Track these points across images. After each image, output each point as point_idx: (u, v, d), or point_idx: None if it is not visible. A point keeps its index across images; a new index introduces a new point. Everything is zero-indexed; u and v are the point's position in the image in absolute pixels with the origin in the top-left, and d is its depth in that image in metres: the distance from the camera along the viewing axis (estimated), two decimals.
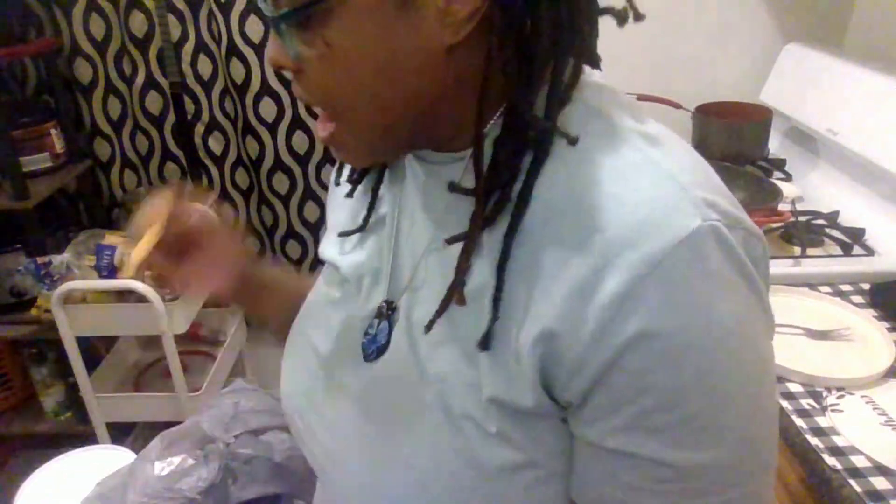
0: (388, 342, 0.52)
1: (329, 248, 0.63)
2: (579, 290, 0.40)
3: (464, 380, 0.46)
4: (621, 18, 0.48)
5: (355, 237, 0.60)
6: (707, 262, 0.39)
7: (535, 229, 0.44)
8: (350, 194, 0.61)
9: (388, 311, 0.53)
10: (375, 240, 0.58)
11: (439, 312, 0.47)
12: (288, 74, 0.48)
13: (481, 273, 0.46)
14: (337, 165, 0.65)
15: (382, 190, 0.58)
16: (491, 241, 0.46)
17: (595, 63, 0.49)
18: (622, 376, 0.40)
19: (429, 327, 0.48)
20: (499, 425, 0.44)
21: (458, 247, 0.46)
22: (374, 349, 0.53)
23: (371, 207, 0.58)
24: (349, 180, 0.61)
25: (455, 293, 0.46)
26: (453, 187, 0.46)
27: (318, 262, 0.64)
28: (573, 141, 0.43)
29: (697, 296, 0.39)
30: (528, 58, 0.43)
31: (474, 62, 0.43)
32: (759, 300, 0.43)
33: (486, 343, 0.44)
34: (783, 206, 1.23)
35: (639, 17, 0.47)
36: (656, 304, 0.38)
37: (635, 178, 0.42)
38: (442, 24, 0.41)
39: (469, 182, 0.46)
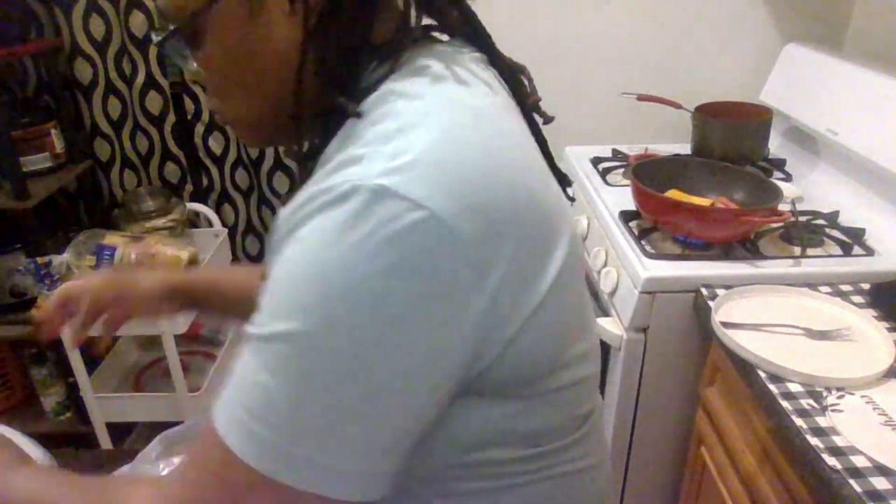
0: None
1: None
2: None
3: None
4: None
5: None
6: (337, 212, 0.42)
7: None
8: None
9: None
10: None
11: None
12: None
13: None
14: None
15: None
16: None
17: (474, 41, 0.58)
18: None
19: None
20: None
21: None
22: None
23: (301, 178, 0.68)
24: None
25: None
26: (286, 153, 0.55)
27: None
28: (356, 114, 0.49)
29: (318, 233, 0.43)
30: (342, 49, 0.51)
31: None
32: (405, 270, 0.42)
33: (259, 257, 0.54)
34: (783, 206, 1.23)
35: None
36: (299, 220, 0.44)
37: (359, 138, 0.47)
38: (290, 23, 0.51)
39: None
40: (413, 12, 0.54)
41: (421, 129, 0.45)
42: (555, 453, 0.55)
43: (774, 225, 1.27)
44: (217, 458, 0.45)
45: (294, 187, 0.52)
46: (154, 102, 1.74)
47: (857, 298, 1.11)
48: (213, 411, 0.46)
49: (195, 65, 0.55)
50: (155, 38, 0.54)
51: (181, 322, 1.47)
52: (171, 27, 0.52)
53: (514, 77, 0.60)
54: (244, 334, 0.46)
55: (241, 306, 0.75)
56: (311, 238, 0.43)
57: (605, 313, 1.29)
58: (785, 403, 0.89)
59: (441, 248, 0.42)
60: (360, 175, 0.43)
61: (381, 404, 0.44)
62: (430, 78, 0.51)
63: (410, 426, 0.46)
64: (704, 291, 1.12)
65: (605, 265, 1.32)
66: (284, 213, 0.47)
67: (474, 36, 0.59)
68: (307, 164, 0.54)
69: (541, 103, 0.63)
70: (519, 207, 0.47)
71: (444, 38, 0.58)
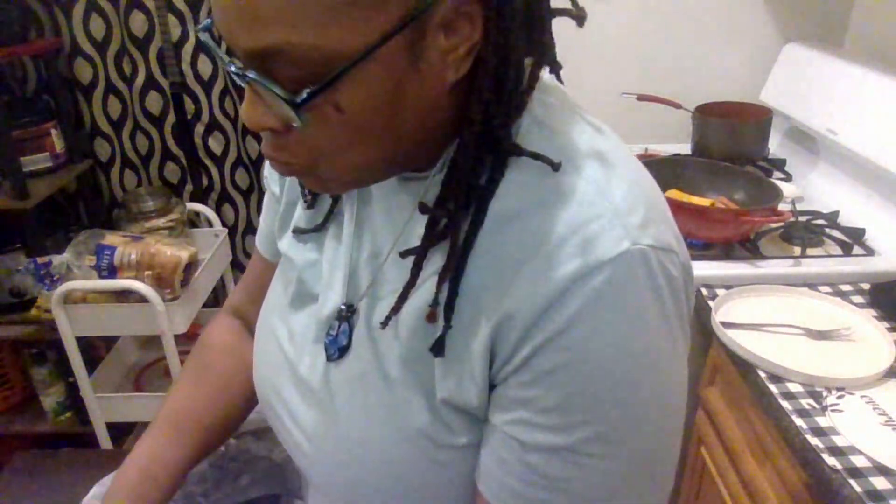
0: (349, 343, 0.54)
1: (283, 247, 0.64)
2: (522, 294, 0.43)
3: (419, 381, 0.49)
4: (579, 20, 0.50)
5: (311, 246, 0.61)
6: (633, 284, 0.42)
7: (485, 241, 0.46)
8: (309, 204, 0.62)
9: (347, 314, 0.55)
10: (332, 243, 0.59)
11: (394, 310, 0.50)
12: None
13: (427, 284, 0.49)
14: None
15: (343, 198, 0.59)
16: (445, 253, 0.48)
17: (554, 68, 0.52)
18: (529, 373, 0.44)
19: (384, 324, 0.51)
20: (448, 420, 0.49)
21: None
22: (335, 350, 0.55)
23: (331, 210, 0.59)
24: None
25: (407, 295, 0.49)
26: (423, 208, 0.48)
27: None
28: (556, 167, 0.45)
29: (618, 316, 0.42)
30: (502, 82, 0.44)
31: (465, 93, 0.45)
32: (669, 327, 0.45)
33: (438, 350, 0.47)
34: (783, 206, 1.23)
35: (581, 20, 0.50)
36: (572, 317, 0.42)
37: (576, 198, 0.44)
38: (444, 65, 0.42)
39: (429, 198, 0.48)
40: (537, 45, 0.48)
41: (626, 178, 0.47)
42: None
43: (774, 225, 1.27)
44: None
45: (430, 242, 0.47)
46: (154, 102, 1.74)
47: (857, 298, 1.11)
48: None
49: (314, 117, 0.41)
50: (277, 91, 0.39)
51: (181, 322, 1.47)
52: (315, 81, 0.39)
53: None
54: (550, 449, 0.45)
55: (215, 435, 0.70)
56: (606, 323, 0.42)
57: None
58: (785, 403, 0.89)
59: (683, 283, 0.47)
60: (631, 239, 0.43)
61: (669, 457, 0.48)
62: (581, 121, 0.50)
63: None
64: (704, 291, 1.12)
65: None
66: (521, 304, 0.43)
67: (551, 56, 0.52)
68: (442, 214, 0.47)
69: None
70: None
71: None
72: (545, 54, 0.48)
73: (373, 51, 0.38)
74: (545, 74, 0.50)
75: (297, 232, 0.61)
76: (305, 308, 0.59)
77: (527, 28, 0.44)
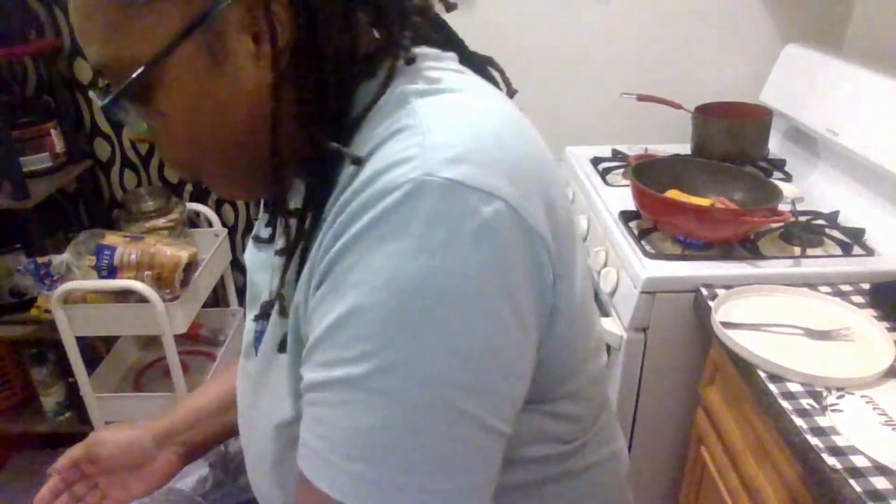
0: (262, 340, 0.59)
1: (247, 255, 0.70)
2: (321, 241, 0.43)
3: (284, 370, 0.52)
4: (450, 6, 0.51)
5: (264, 254, 0.65)
6: (414, 212, 0.39)
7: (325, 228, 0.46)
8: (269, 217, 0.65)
9: (267, 311, 0.58)
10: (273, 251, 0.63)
11: (264, 307, 0.56)
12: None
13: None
14: None
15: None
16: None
17: (446, 43, 0.53)
18: (314, 302, 0.43)
19: (255, 319, 0.58)
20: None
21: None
22: (257, 346, 0.60)
23: (271, 222, 0.63)
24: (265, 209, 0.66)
25: (278, 292, 0.52)
26: (267, 207, 0.53)
27: None
28: (357, 161, 0.44)
29: (392, 244, 0.39)
30: (320, 83, 0.45)
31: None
32: (482, 278, 0.40)
33: (281, 347, 0.51)
34: (783, 206, 1.23)
35: (451, 7, 0.51)
36: (346, 245, 0.40)
37: (392, 141, 0.43)
38: (258, 67, 0.44)
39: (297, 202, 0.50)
40: (383, 32, 0.49)
41: (454, 123, 0.43)
42: (583, 447, 0.55)
43: (774, 225, 1.27)
44: (312, 501, 0.42)
45: (290, 246, 0.48)
46: None
47: (857, 298, 1.11)
48: (304, 466, 0.43)
49: (144, 124, 0.48)
50: (98, 99, 0.46)
51: (181, 322, 1.47)
52: (119, 87, 0.44)
53: (485, 71, 0.56)
54: (312, 377, 0.43)
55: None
56: (380, 253, 0.39)
57: (605, 313, 1.29)
58: (785, 403, 0.89)
59: (519, 238, 0.41)
60: (421, 171, 0.39)
61: (487, 411, 0.42)
62: (435, 83, 0.47)
63: (505, 430, 0.44)
64: (704, 291, 1.12)
65: (605, 265, 1.32)
66: (324, 242, 0.43)
67: (444, 40, 0.54)
68: (303, 217, 0.48)
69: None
70: (559, 193, 0.46)
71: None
72: (391, 47, 0.48)
73: (163, 57, 0.43)
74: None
75: (255, 240, 0.66)
76: (252, 309, 0.65)
77: (350, 26, 0.45)
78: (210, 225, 1.79)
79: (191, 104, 0.45)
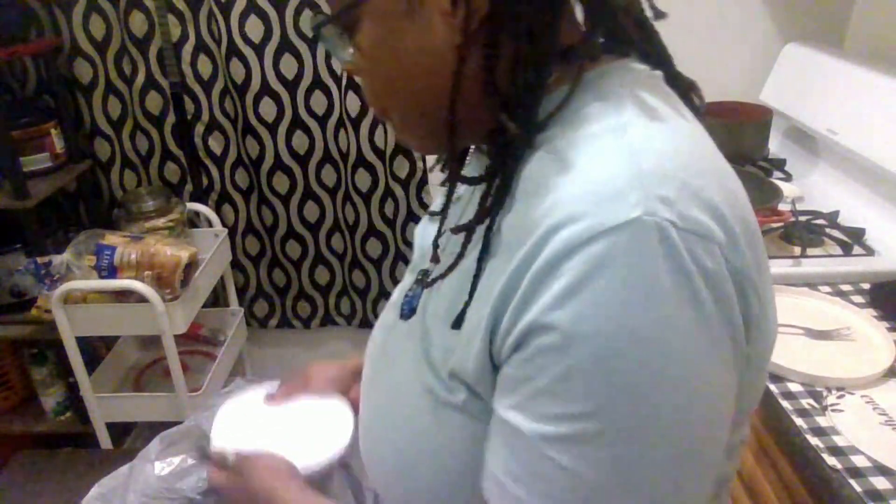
0: (417, 305, 0.57)
1: (419, 226, 0.71)
2: (524, 261, 0.40)
3: (445, 344, 0.49)
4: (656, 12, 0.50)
5: (434, 224, 0.66)
6: (638, 256, 0.37)
7: (514, 213, 0.45)
8: (443, 183, 0.66)
9: (424, 280, 0.58)
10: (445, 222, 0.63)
11: (441, 277, 0.52)
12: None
13: (471, 257, 0.49)
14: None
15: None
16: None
17: (658, 62, 0.51)
18: (525, 353, 0.40)
19: (427, 285, 0.55)
20: (451, 380, 0.47)
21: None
22: (408, 310, 0.58)
23: (449, 195, 0.62)
24: (441, 170, 0.66)
25: (455, 265, 0.51)
26: (462, 179, 0.50)
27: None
28: (529, 145, 0.44)
29: (615, 290, 0.37)
30: (514, 59, 0.44)
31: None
32: (700, 315, 0.39)
33: (458, 323, 0.47)
34: (783, 206, 1.23)
35: (660, 15, 0.50)
36: (567, 289, 0.38)
37: (598, 159, 0.40)
38: (448, 25, 0.44)
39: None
40: (589, 26, 0.47)
41: (670, 156, 0.41)
42: None
43: (774, 225, 1.27)
44: None
45: (444, 210, 0.51)
46: (154, 102, 1.74)
47: (857, 298, 1.11)
48: None
49: (349, 57, 0.50)
50: (312, 23, 0.51)
51: (181, 322, 1.47)
52: (333, 13, 0.48)
53: (688, 95, 0.52)
54: (532, 433, 0.41)
55: None
56: (606, 298, 0.37)
57: None
58: (785, 403, 0.89)
59: (730, 286, 0.40)
60: (642, 209, 0.37)
61: (691, 461, 0.41)
62: (631, 99, 0.44)
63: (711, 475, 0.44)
64: None
65: None
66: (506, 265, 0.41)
67: (651, 53, 0.51)
68: (486, 192, 0.47)
69: None
70: (756, 234, 0.44)
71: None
72: (591, 42, 0.46)
73: None
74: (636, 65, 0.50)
75: (430, 214, 0.67)
76: (410, 276, 0.64)
77: (551, 5, 0.44)
78: (210, 225, 1.79)
79: (379, 45, 0.47)
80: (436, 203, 0.68)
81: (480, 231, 0.47)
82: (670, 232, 0.37)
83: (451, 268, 0.51)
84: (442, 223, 0.60)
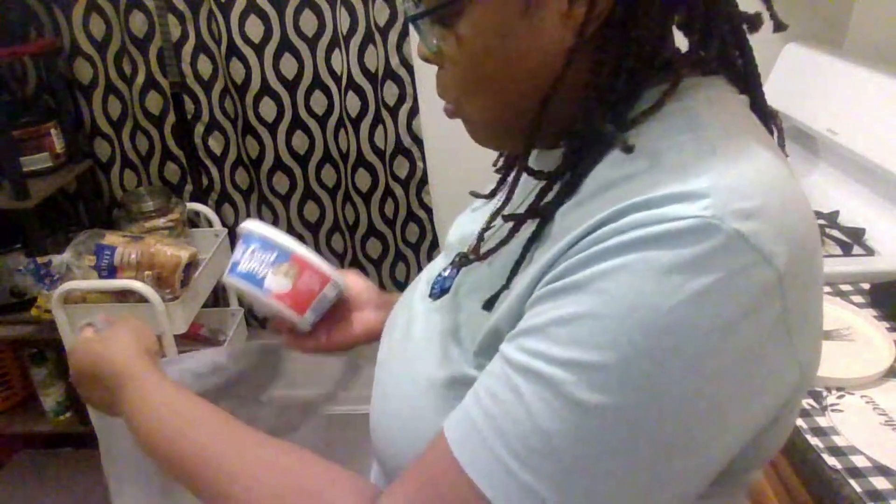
0: (451, 287, 0.57)
1: (464, 212, 0.71)
2: (578, 236, 0.41)
3: (477, 325, 0.49)
4: (753, 25, 0.49)
5: (480, 211, 0.66)
6: (687, 250, 0.37)
7: (579, 208, 0.45)
8: (498, 170, 0.66)
9: (460, 262, 0.58)
10: (491, 207, 0.62)
11: (463, 257, 0.54)
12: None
13: (516, 244, 0.49)
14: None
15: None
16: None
17: (745, 85, 0.51)
18: (539, 294, 0.42)
19: (454, 264, 0.57)
20: (477, 357, 0.48)
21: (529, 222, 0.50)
22: (438, 289, 0.58)
23: (500, 182, 0.64)
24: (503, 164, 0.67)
25: (477, 247, 0.52)
26: (527, 170, 0.50)
27: None
28: (627, 150, 0.43)
29: (650, 271, 0.37)
30: (618, 63, 0.44)
31: (590, 65, 0.45)
32: (751, 335, 0.38)
33: (489, 305, 0.48)
34: None
35: (780, 26, 0.50)
36: (608, 251, 0.38)
37: (679, 168, 0.40)
38: (563, 27, 0.44)
39: (550, 168, 0.49)
40: (695, 39, 0.46)
41: (752, 175, 0.40)
42: None
43: None
44: (448, 480, 0.41)
45: (511, 201, 0.49)
46: (154, 102, 1.74)
47: (857, 298, 1.11)
48: (457, 440, 0.41)
49: (443, 46, 0.48)
50: (409, 9, 0.48)
51: (181, 322, 1.47)
52: (435, 3, 0.46)
53: (769, 124, 0.52)
54: (510, 359, 0.41)
55: None
56: (641, 272, 0.37)
57: None
58: None
59: (774, 308, 0.39)
60: (714, 213, 0.37)
61: (675, 475, 0.39)
62: (719, 116, 0.44)
63: (679, 494, 0.41)
64: None
65: None
66: (579, 227, 0.41)
67: (741, 75, 0.51)
68: (548, 186, 0.48)
69: None
70: (820, 282, 0.43)
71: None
72: (692, 52, 0.46)
73: None
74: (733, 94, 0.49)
75: (472, 194, 0.68)
76: (447, 259, 0.63)
77: (666, 15, 0.44)
78: (210, 225, 1.79)
79: (489, 40, 0.46)
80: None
81: (532, 221, 0.48)
82: (735, 242, 0.37)
83: (492, 251, 0.51)
84: (496, 213, 0.56)
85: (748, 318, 0.38)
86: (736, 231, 0.37)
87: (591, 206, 0.42)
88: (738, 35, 0.49)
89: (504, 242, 0.50)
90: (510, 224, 0.50)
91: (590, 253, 0.39)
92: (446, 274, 0.59)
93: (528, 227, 0.49)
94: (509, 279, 0.47)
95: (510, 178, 0.52)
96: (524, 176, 0.52)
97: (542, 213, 0.47)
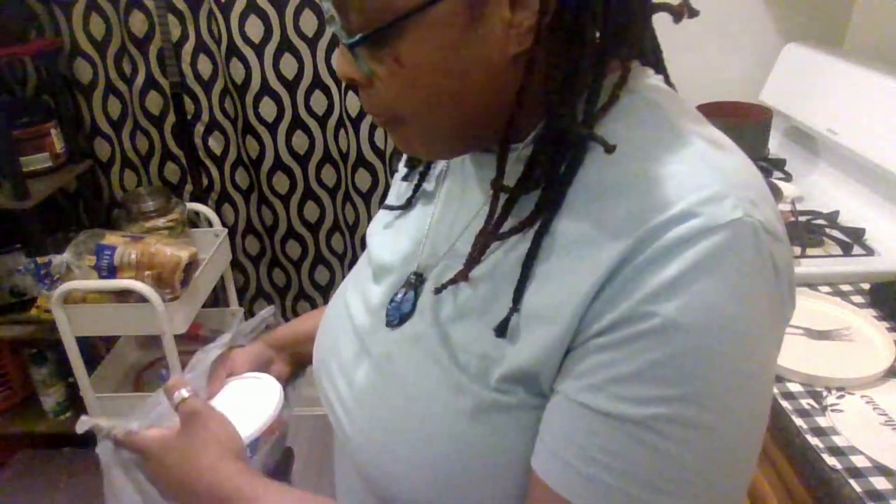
0: (412, 310, 0.55)
1: (372, 225, 0.68)
2: (624, 255, 0.41)
3: (482, 350, 0.48)
4: (677, 15, 0.50)
5: (398, 223, 0.64)
6: (740, 254, 0.40)
7: (575, 215, 0.45)
8: (406, 178, 0.65)
9: (416, 282, 0.56)
10: (415, 221, 0.61)
11: (452, 281, 0.51)
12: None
13: (510, 262, 0.48)
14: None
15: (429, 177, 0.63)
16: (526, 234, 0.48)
17: (656, 65, 0.52)
18: (613, 335, 0.41)
19: (438, 290, 0.52)
20: (501, 384, 0.46)
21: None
22: (397, 316, 0.56)
23: (416, 189, 0.63)
24: (405, 164, 0.66)
25: (469, 267, 0.49)
26: (494, 184, 0.48)
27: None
28: (609, 150, 0.43)
29: (721, 284, 0.39)
30: (573, 65, 0.44)
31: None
32: (777, 310, 0.43)
33: (502, 331, 0.46)
34: (783, 206, 1.23)
35: (693, 13, 0.50)
36: (671, 280, 0.39)
37: (680, 165, 0.42)
38: (507, 36, 0.43)
39: (510, 179, 0.48)
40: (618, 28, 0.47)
41: (740, 162, 0.45)
42: None
43: None
44: None
45: (497, 219, 0.48)
46: (154, 102, 1.74)
47: (857, 298, 1.11)
48: (569, 490, 0.42)
49: (380, 69, 0.46)
50: (342, 35, 0.45)
51: (181, 322, 1.47)
52: (372, 28, 0.43)
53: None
54: (620, 415, 0.41)
55: None
56: (716, 293, 0.39)
57: None
58: (785, 403, 0.89)
59: (787, 283, 0.44)
60: (743, 211, 0.40)
61: (754, 452, 0.44)
62: (675, 101, 0.48)
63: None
64: None
65: None
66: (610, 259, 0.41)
67: (651, 57, 0.53)
68: (516, 193, 0.48)
69: None
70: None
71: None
72: (633, 46, 0.47)
73: (429, 5, 0.42)
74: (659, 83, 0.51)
75: (386, 208, 0.65)
76: (384, 280, 0.60)
77: (606, 16, 0.45)
78: (210, 225, 1.79)
79: (433, 58, 0.44)
80: (391, 199, 0.67)
81: (516, 236, 0.48)
82: (761, 233, 0.41)
83: (467, 270, 0.50)
84: (483, 231, 0.54)
85: (781, 293, 0.43)
86: (759, 222, 0.41)
87: (598, 217, 0.43)
88: (653, 37, 0.52)
89: (475, 260, 0.49)
90: (462, 234, 0.51)
91: (656, 288, 0.39)
92: (400, 298, 0.57)
93: (521, 243, 0.47)
94: (515, 300, 0.46)
95: (491, 195, 0.51)
96: (462, 184, 0.53)
97: (542, 226, 0.46)
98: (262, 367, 0.80)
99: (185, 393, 0.66)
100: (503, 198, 0.49)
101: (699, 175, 0.41)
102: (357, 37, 0.44)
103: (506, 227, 0.48)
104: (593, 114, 0.45)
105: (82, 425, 0.67)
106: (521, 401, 0.46)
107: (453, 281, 0.51)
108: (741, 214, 0.40)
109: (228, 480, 0.59)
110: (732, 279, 0.39)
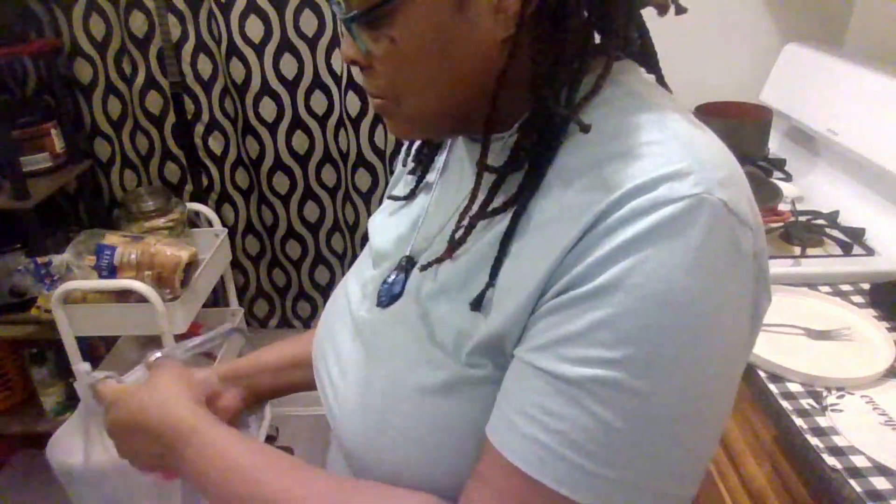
0: (401, 292, 0.57)
1: (375, 215, 0.70)
2: (584, 230, 0.42)
3: (458, 325, 0.50)
4: (662, 9, 0.51)
5: (399, 212, 0.66)
6: (694, 227, 0.40)
7: (551, 195, 0.47)
8: (413, 171, 0.67)
9: (407, 265, 0.58)
10: (415, 208, 0.63)
11: (438, 261, 0.53)
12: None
13: (488, 240, 0.50)
14: (406, 144, 0.70)
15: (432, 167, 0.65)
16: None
17: (649, 64, 0.54)
18: (562, 300, 0.42)
19: (423, 268, 0.54)
20: (471, 357, 0.48)
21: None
22: (387, 297, 0.58)
23: (419, 180, 0.65)
24: (413, 159, 0.67)
25: (453, 246, 0.51)
26: (478, 164, 0.50)
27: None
28: (585, 129, 0.45)
29: (668, 254, 0.40)
30: (558, 51, 0.46)
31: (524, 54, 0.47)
32: (740, 295, 0.43)
33: (477, 304, 0.48)
34: (783, 206, 1.23)
35: (680, 9, 0.51)
36: (622, 246, 0.40)
37: (654, 146, 0.44)
38: (495, 20, 0.45)
39: (498, 160, 0.50)
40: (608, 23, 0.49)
41: (712, 144, 0.46)
42: None
43: (774, 225, 1.27)
44: (531, 498, 0.42)
45: (484, 200, 0.50)
46: (154, 102, 1.74)
47: (857, 298, 1.11)
48: (520, 456, 0.43)
49: (375, 48, 0.48)
50: (339, 12, 0.48)
51: (181, 322, 1.47)
52: (367, 5, 0.46)
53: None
54: (549, 370, 0.42)
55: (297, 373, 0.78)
56: (663, 262, 0.40)
57: None
58: (785, 403, 0.89)
59: (752, 266, 0.43)
60: (703, 188, 0.41)
61: (709, 430, 0.45)
62: (659, 93, 0.49)
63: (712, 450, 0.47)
64: None
65: None
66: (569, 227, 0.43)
67: (645, 56, 0.55)
68: (502, 175, 0.49)
69: None
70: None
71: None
72: (619, 37, 0.48)
73: None
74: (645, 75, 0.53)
75: (390, 198, 0.67)
76: (381, 265, 0.62)
77: (589, 4, 0.47)
78: (210, 225, 1.79)
79: (424, 39, 0.46)
80: (397, 190, 0.68)
81: (504, 215, 0.49)
82: (721, 212, 0.41)
83: (452, 250, 0.52)
84: (465, 211, 0.56)
85: (743, 276, 0.43)
86: (720, 201, 0.41)
87: (570, 196, 0.45)
88: (637, 18, 0.52)
89: (461, 240, 0.51)
90: (465, 222, 0.51)
91: (607, 252, 0.41)
92: (392, 280, 0.59)
93: (499, 222, 0.49)
94: (492, 275, 0.48)
95: (474, 175, 0.53)
96: (455, 168, 0.54)
97: (520, 206, 0.48)
98: (208, 397, 0.73)
99: (158, 353, 0.70)
100: (488, 178, 0.50)
101: (669, 153, 0.43)
102: (353, 12, 0.47)
103: (490, 207, 0.50)
104: (576, 101, 0.47)
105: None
106: (490, 374, 0.47)
107: (438, 260, 0.53)
108: (700, 191, 0.40)
109: (185, 419, 0.60)
110: (680, 250, 0.40)
